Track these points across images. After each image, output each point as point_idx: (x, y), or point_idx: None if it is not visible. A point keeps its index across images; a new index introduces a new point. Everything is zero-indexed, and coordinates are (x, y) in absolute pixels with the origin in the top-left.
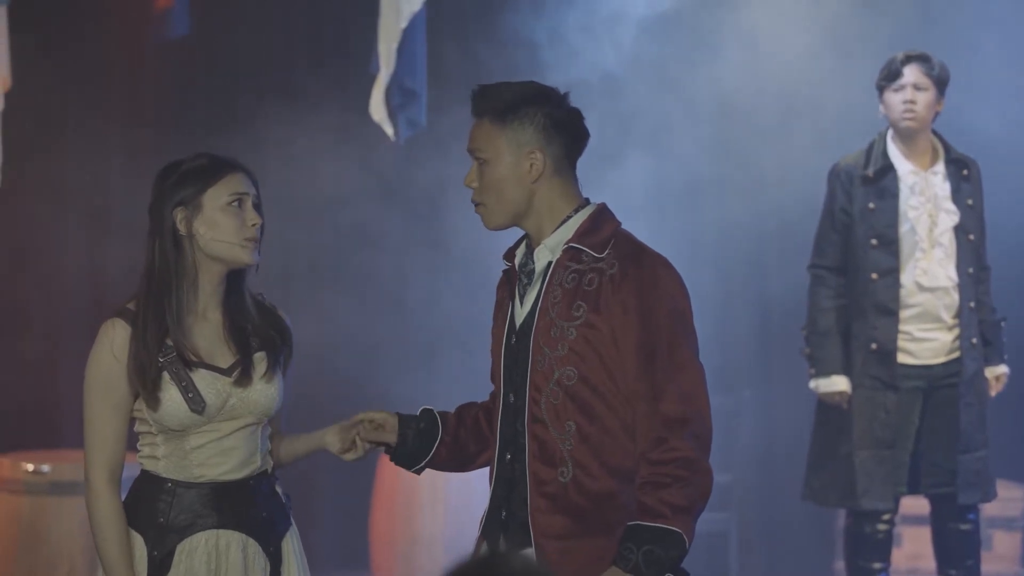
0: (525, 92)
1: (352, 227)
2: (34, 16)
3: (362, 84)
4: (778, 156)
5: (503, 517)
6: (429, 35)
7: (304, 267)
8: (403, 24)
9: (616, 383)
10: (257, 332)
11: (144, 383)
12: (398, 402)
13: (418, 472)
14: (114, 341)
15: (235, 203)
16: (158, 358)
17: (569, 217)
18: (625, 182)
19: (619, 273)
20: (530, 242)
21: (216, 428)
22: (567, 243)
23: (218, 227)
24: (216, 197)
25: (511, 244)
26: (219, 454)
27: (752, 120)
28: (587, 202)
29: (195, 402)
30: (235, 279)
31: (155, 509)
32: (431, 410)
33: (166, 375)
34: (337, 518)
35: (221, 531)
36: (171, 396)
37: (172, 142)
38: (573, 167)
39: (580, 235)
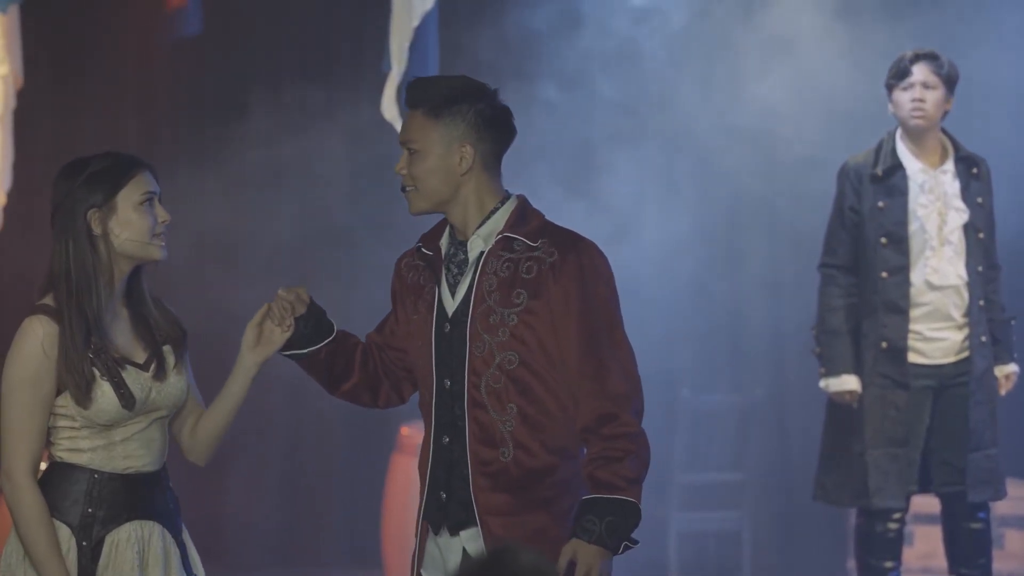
0: (460, 87)
1: (364, 224)
2: (47, 15)
3: (374, 82)
4: (791, 155)
5: (443, 498)
6: (441, 33)
7: (316, 263)
8: (415, 22)
9: (555, 365)
10: (159, 327)
11: (78, 380)
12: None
13: (290, 357)
14: (43, 338)
15: (147, 202)
16: (88, 354)
17: (496, 209)
18: (633, 174)
19: (559, 260)
20: (455, 232)
21: (139, 421)
22: (499, 233)
23: (132, 226)
24: (129, 197)
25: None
26: (143, 445)
27: (765, 118)
28: (508, 195)
29: (125, 397)
30: (135, 275)
31: (80, 500)
32: (332, 323)
33: (96, 371)
34: (349, 515)
35: (144, 522)
36: (104, 392)
37: (184, 140)
38: (499, 162)
39: (511, 225)
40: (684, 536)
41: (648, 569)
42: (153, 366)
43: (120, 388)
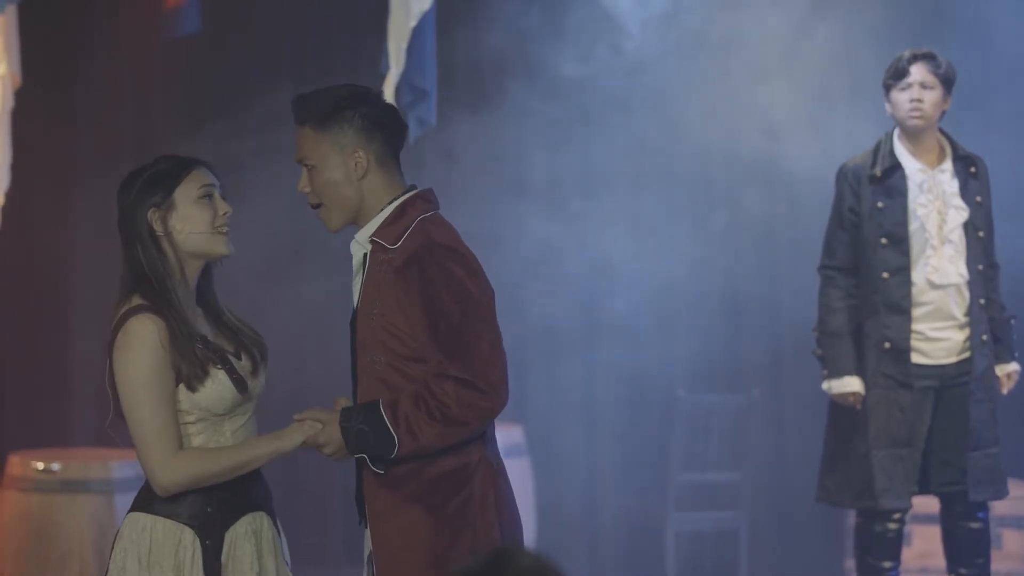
0: (341, 96)
1: None
2: (45, 14)
3: (372, 83)
4: (789, 156)
5: (359, 491)
6: (439, 34)
7: (313, 260)
8: (412, 23)
9: (420, 365)
10: (232, 323)
11: (194, 365)
12: None
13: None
14: (158, 333)
15: (205, 196)
16: (197, 344)
17: (383, 209)
18: (632, 180)
19: (402, 264)
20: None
21: (244, 412)
22: (371, 237)
23: (192, 220)
24: (187, 192)
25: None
26: (247, 438)
27: (764, 118)
28: (411, 189)
29: (239, 383)
30: (205, 278)
31: (199, 501)
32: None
33: (210, 357)
34: (345, 514)
35: (255, 513)
36: (219, 379)
37: (182, 140)
38: (396, 158)
39: (382, 228)
40: (682, 536)
41: (646, 569)
42: (246, 357)
43: (233, 374)
